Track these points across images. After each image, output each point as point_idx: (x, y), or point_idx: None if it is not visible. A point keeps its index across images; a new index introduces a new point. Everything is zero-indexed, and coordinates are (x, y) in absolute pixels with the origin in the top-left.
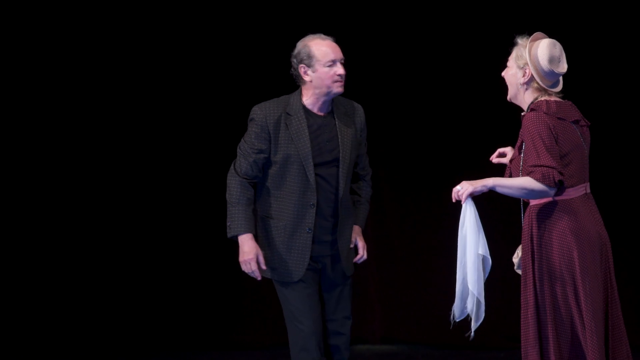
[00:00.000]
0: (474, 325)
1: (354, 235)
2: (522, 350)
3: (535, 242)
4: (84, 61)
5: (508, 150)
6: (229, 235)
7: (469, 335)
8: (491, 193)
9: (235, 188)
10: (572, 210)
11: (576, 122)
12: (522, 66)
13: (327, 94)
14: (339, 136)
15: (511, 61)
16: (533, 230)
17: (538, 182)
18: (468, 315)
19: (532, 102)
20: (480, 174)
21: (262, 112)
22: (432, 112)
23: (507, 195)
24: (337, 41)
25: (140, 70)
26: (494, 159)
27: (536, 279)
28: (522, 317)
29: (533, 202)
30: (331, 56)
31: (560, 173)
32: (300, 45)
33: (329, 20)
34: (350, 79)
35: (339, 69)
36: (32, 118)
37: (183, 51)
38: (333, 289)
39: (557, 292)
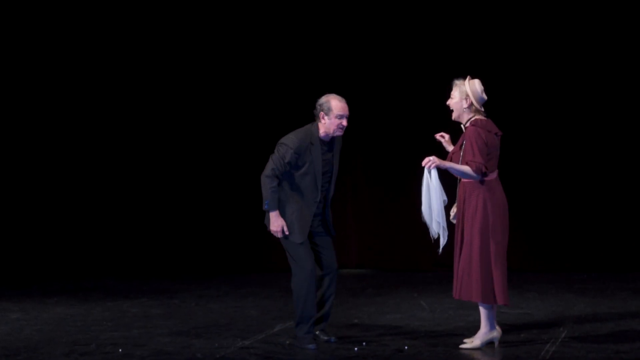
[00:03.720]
0: (442, 243)
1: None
2: (457, 274)
3: (465, 204)
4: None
5: (447, 136)
6: (264, 208)
7: (438, 251)
8: (445, 172)
9: (271, 182)
10: (490, 186)
11: (496, 134)
12: (464, 96)
13: (329, 133)
14: (334, 156)
15: (455, 93)
16: (466, 197)
17: (473, 171)
18: (439, 236)
19: (469, 119)
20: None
21: (296, 142)
22: (401, 114)
23: (453, 174)
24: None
25: (152, 60)
26: (438, 136)
27: (465, 227)
28: (457, 252)
29: (464, 180)
30: (342, 112)
31: (485, 167)
32: (324, 98)
33: (323, 24)
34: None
35: (344, 122)
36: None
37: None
38: (326, 240)
39: (479, 236)
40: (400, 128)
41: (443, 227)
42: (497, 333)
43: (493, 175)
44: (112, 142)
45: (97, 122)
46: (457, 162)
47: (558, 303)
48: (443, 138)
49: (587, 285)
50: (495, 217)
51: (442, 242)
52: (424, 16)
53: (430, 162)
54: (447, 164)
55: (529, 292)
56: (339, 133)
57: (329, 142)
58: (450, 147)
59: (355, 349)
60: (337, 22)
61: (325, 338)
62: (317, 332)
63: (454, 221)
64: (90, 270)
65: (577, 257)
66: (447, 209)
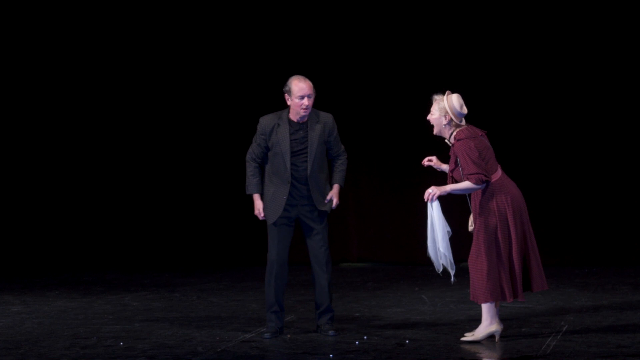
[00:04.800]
0: (452, 274)
1: (331, 192)
2: (473, 275)
3: (478, 211)
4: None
5: (434, 158)
6: (247, 193)
7: (452, 281)
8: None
9: (248, 166)
10: (494, 188)
11: (482, 135)
12: (444, 113)
13: (298, 114)
14: (309, 136)
15: (434, 109)
16: (477, 204)
17: (474, 183)
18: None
19: (451, 133)
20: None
21: (262, 124)
22: (401, 108)
23: (459, 194)
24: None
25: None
26: (425, 162)
27: (482, 232)
28: (474, 254)
29: None
30: (301, 93)
31: (485, 175)
32: (288, 81)
33: (324, 24)
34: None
35: (305, 102)
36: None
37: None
38: (312, 230)
39: (498, 237)
40: (401, 122)
41: (450, 261)
42: (498, 327)
43: (497, 175)
44: (111, 135)
45: (97, 117)
46: (459, 176)
47: (559, 297)
48: (431, 162)
49: (588, 280)
50: (503, 216)
51: (452, 272)
52: (426, 19)
53: (430, 195)
54: (448, 188)
55: None
56: (304, 113)
57: (304, 122)
58: (442, 167)
59: (357, 342)
60: (340, 22)
61: (326, 332)
62: (323, 325)
63: (471, 228)
64: (92, 264)
65: (579, 251)
66: (464, 219)
